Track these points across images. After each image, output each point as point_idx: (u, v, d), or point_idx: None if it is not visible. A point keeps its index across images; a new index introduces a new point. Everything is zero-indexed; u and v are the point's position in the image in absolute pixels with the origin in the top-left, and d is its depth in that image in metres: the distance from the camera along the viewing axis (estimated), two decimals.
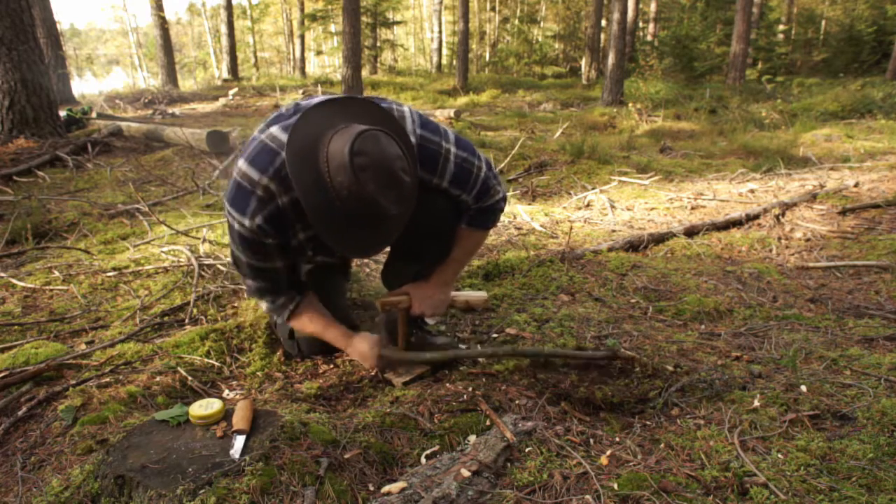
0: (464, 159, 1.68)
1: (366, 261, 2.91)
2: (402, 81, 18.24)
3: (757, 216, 4.03)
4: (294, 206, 1.55)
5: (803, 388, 1.66)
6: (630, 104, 10.72)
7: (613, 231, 3.81)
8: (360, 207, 1.38)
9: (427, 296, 1.85)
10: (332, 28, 25.99)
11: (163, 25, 17.73)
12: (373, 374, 1.95)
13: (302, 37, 25.23)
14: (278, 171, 1.51)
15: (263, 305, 1.82)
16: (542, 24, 30.22)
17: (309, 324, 1.85)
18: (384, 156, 1.37)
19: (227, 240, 3.20)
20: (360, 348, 1.83)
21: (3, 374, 1.85)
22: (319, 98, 1.56)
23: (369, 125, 1.40)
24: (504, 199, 1.84)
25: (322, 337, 1.88)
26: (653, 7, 23.94)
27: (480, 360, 1.96)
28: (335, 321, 1.87)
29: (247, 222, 1.55)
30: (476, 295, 2.07)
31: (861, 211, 4.22)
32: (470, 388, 1.74)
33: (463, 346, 2.06)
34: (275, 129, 1.56)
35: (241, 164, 1.56)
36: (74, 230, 3.69)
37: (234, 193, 1.57)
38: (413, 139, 1.58)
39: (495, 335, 2.17)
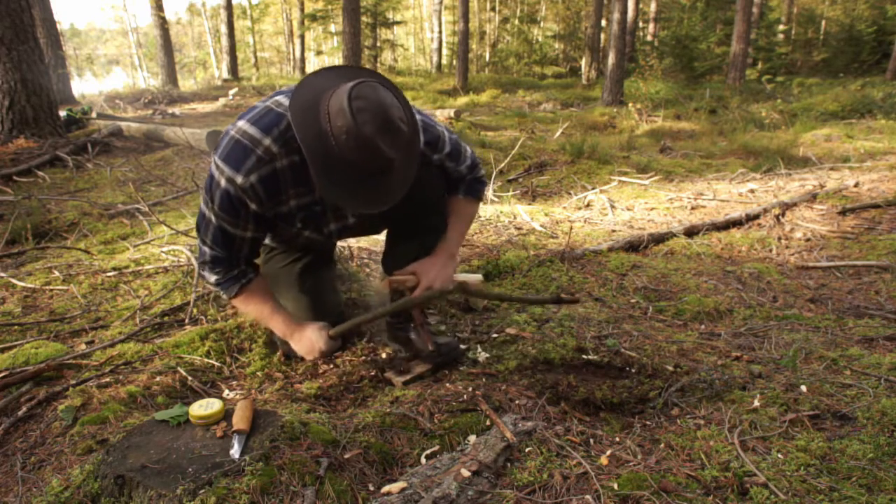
0: (455, 140, 1.84)
1: (366, 260, 2.91)
2: (402, 81, 18.24)
3: (757, 216, 4.03)
4: (293, 169, 1.57)
5: (803, 388, 1.66)
6: (630, 104, 10.72)
7: (613, 231, 3.81)
8: (359, 151, 1.40)
9: (435, 269, 1.83)
10: (332, 28, 26.01)
11: (163, 25, 17.74)
12: (372, 373, 1.95)
13: (302, 37, 25.25)
14: (283, 133, 1.53)
15: (211, 278, 1.75)
16: (542, 24, 30.22)
17: (257, 305, 1.80)
18: (381, 101, 1.41)
19: None
20: (310, 335, 1.83)
21: (3, 374, 1.85)
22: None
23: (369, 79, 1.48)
24: (486, 177, 1.98)
25: (266, 322, 1.87)
26: (653, 7, 23.94)
27: (480, 359, 1.96)
28: (283, 309, 1.86)
29: (239, 179, 1.53)
30: (473, 277, 2.12)
31: (861, 211, 4.22)
32: (470, 388, 1.73)
33: (462, 346, 2.06)
34: (280, 97, 1.59)
35: (243, 123, 1.56)
36: (74, 230, 3.69)
37: (230, 150, 1.55)
38: (418, 117, 1.66)
39: (495, 335, 2.17)
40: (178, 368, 1.91)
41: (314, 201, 1.70)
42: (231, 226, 1.64)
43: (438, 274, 1.81)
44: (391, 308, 1.81)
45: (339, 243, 2.95)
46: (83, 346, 2.10)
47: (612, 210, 4.30)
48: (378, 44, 23.77)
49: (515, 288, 2.68)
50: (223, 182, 1.56)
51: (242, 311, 2.12)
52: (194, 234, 3.22)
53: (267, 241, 2.01)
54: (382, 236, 2.08)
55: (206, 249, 1.71)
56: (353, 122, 1.37)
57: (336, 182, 1.44)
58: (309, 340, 1.83)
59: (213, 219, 1.64)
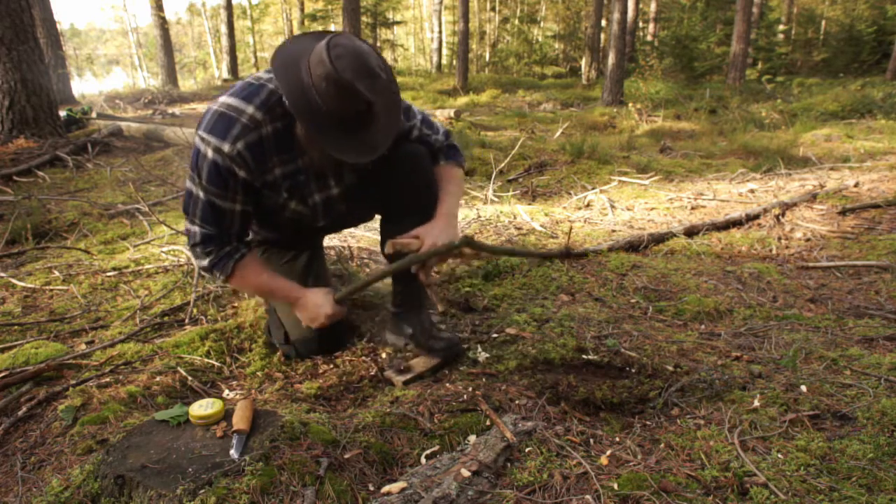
0: (423, 112, 1.91)
1: (366, 260, 2.91)
2: (403, 81, 18.24)
3: (757, 216, 4.03)
4: (276, 136, 1.62)
5: (803, 388, 1.66)
6: (630, 104, 10.72)
7: (613, 231, 3.81)
8: (340, 96, 1.45)
9: (437, 230, 1.78)
10: (332, 28, 26.00)
11: (163, 25, 17.74)
12: (372, 373, 1.95)
13: None
14: (265, 101, 1.59)
15: (204, 261, 1.71)
16: (542, 24, 30.23)
17: (255, 278, 1.77)
18: (358, 49, 1.48)
19: None
20: (315, 299, 1.79)
21: (3, 374, 1.86)
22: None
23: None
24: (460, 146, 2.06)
25: (270, 293, 1.86)
26: (653, 7, 23.94)
27: (480, 359, 1.96)
28: (282, 277, 1.83)
29: (226, 147, 1.55)
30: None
31: (861, 211, 4.21)
32: (470, 388, 1.74)
33: (463, 346, 2.06)
34: (259, 73, 1.67)
35: (224, 98, 1.61)
36: (74, 230, 3.69)
37: (214, 121, 1.58)
38: None
39: (495, 335, 2.17)
40: (178, 368, 1.91)
41: (298, 169, 1.72)
42: (220, 199, 1.64)
43: (442, 234, 1.77)
44: (396, 266, 1.77)
45: (338, 243, 2.95)
46: (83, 346, 2.10)
47: (612, 210, 4.30)
48: (378, 44, 23.76)
49: (515, 288, 2.68)
50: (210, 153, 1.58)
51: (242, 289, 2.11)
52: None
53: (252, 235, 2.00)
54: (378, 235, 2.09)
55: (196, 229, 1.68)
56: (332, 68, 1.42)
57: (323, 132, 1.49)
58: (315, 305, 1.79)
59: (201, 194, 1.64)
